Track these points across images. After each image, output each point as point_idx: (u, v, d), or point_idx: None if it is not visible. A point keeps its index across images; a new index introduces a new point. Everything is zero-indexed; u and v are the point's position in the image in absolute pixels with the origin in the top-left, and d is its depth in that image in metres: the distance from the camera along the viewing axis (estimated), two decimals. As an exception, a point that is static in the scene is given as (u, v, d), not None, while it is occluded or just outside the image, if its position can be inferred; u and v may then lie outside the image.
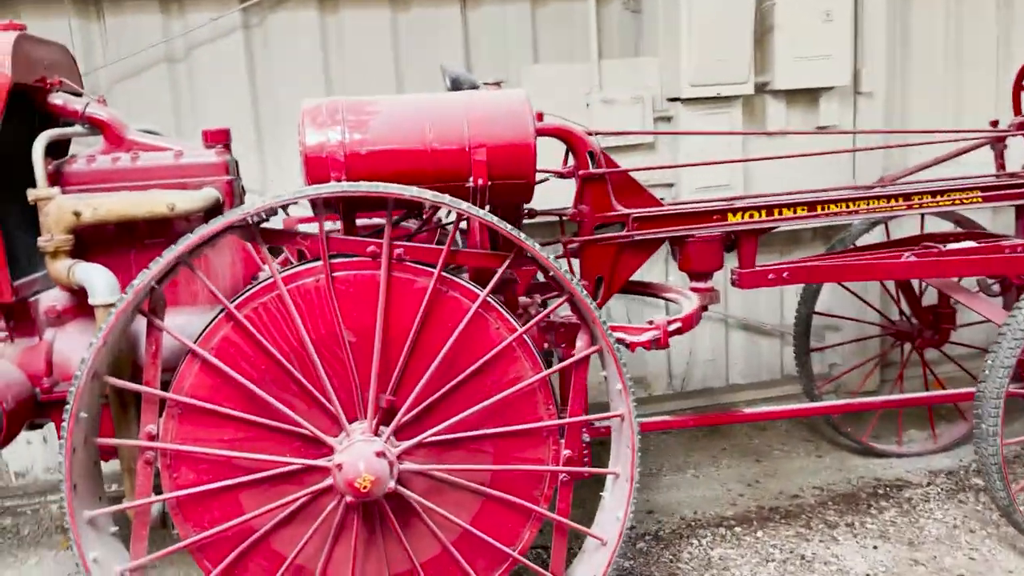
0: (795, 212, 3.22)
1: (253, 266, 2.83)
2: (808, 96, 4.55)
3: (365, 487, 2.25)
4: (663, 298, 3.41)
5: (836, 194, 3.29)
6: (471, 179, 2.53)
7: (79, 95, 2.66)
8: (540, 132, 3.01)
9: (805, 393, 4.38)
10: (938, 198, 3.31)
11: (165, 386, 2.36)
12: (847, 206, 3.27)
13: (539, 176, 3.28)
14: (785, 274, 3.25)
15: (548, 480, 2.54)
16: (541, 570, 2.54)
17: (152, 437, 2.34)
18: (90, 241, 2.59)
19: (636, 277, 3.24)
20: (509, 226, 2.35)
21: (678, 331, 2.81)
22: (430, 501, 2.47)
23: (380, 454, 2.29)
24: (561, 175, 3.08)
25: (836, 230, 4.60)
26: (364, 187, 2.26)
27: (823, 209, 3.25)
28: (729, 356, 5.08)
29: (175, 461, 2.37)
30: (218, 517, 2.40)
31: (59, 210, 2.45)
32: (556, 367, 2.50)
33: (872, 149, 4.47)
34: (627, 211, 3.11)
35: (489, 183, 2.56)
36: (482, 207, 2.64)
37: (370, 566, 2.49)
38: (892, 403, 3.67)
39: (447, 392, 2.43)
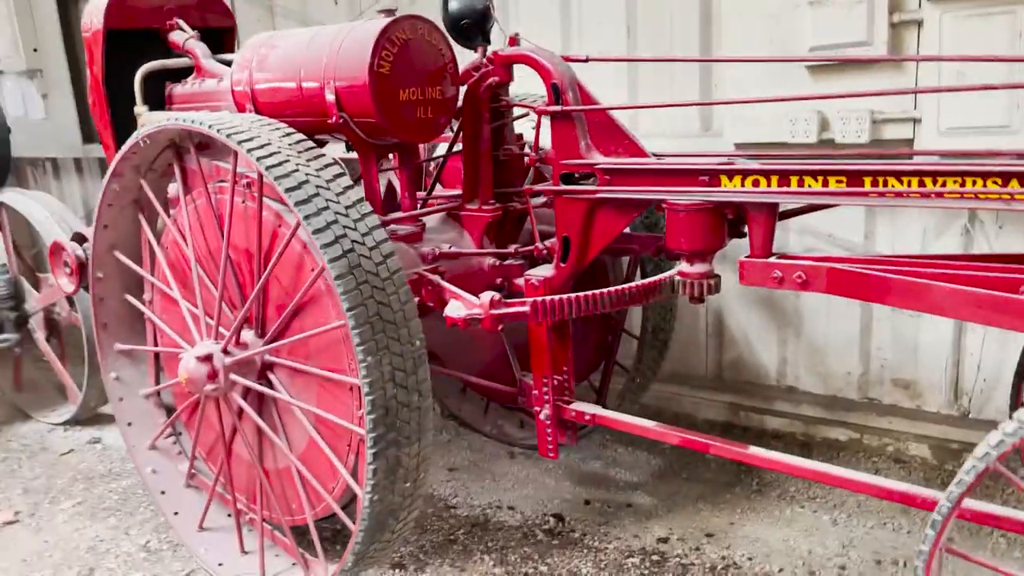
0: (825, 184, 2.08)
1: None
2: None
3: (182, 383, 2.59)
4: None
5: (906, 165, 1.99)
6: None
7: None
8: (505, 61, 2.63)
9: None
10: None
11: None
12: (927, 184, 1.95)
13: (518, 112, 2.87)
14: (797, 275, 2.16)
15: (352, 442, 2.44)
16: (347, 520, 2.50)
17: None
18: None
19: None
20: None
21: (519, 316, 2.23)
22: (277, 420, 2.66)
23: (203, 359, 2.57)
24: (540, 111, 2.57)
25: None
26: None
27: (878, 185, 2.02)
28: None
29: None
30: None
31: None
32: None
33: None
34: (594, 161, 2.47)
35: (342, 120, 2.45)
36: (363, 145, 2.56)
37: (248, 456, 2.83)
38: None
39: (284, 320, 2.52)
